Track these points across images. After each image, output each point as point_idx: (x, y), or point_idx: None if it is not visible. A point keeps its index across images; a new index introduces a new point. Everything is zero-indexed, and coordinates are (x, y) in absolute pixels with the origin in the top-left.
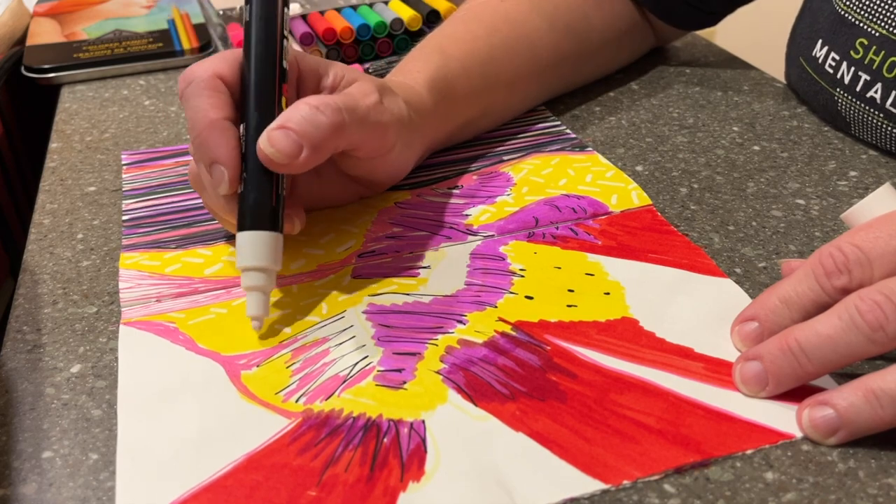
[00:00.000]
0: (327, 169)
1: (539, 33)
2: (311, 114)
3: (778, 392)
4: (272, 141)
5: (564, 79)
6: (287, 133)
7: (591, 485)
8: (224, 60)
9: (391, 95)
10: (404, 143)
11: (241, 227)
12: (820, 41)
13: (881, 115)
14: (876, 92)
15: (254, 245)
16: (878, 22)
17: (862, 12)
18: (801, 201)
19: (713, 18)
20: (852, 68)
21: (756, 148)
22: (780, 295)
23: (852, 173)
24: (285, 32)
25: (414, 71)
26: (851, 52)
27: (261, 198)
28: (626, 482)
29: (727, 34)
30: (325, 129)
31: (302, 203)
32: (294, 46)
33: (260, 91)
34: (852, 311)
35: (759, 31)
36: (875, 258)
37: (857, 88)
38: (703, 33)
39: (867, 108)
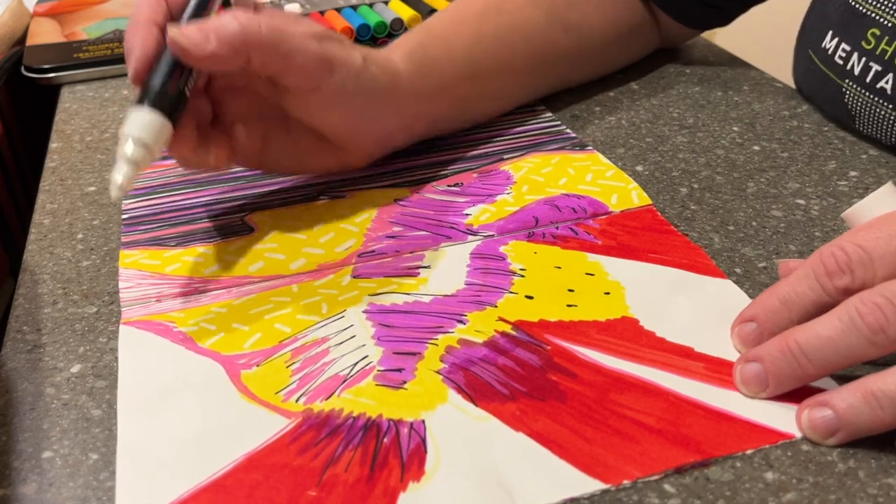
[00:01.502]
0: (300, 131)
1: (535, 27)
2: (225, 17)
3: (778, 393)
4: (182, 29)
5: (562, 76)
6: (199, 27)
7: (591, 485)
8: None
9: (340, 41)
10: (356, 91)
11: (137, 102)
12: (830, 32)
13: (890, 106)
14: (887, 83)
15: (141, 119)
16: (891, 12)
17: (874, 3)
18: (801, 201)
19: (725, 17)
20: (863, 59)
21: (756, 148)
22: (780, 295)
23: (852, 173)
24: None
25: (395, 45)
26: (863, 43)
27: (162, 82)
28: (626, 482)
29: (727, 34)
30: (234, 30)
31: (277, 167)
32: None
33: (195, 3)
34: (853, 314)
35: (759, 31)
36: (877, 258)
37: (868, 79)
38: (704, 33)
39: (876, 99)
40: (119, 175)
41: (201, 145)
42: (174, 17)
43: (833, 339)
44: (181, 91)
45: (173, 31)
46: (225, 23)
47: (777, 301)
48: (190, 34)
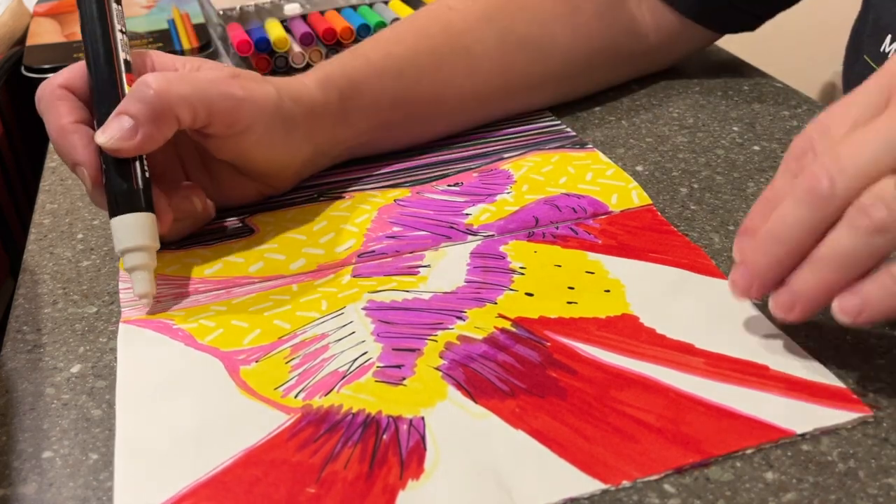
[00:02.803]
0: (218, 167)
1: (482, 45)
2: (137, 89)
3: (765, 289)
4: (104, 130)
5: (518, 98)
6: (119, 118)
7: (591, 484)
8: (69, 70)
9: (255, 80)
10: (277, 127)
11: (112, 214)
12: (889, 36)
13: None
14: None
15: (125, 227)
16: None
17: None
18: None
19: (756, 21)
20: None
21: (756, 148)
22: (763, 197)
23: None
24: (120, 27)
25: (314, 69)
26: None
27: (123, 184)
28: (625, 482)
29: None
30: (152, 101)
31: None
32: (294, 48)
33: (100, 85)
34: (796, 184)
35: (759, 31)
36: (833, 126)
37: None
38: None
39: None
40: (140, 287)
41: (180, 203)
42: (85, 100)
43: (786, 216)
44: (143, 177)
45: (99, 139)
46: (140, 96)
47: (760, 205)
48: (112, 132)
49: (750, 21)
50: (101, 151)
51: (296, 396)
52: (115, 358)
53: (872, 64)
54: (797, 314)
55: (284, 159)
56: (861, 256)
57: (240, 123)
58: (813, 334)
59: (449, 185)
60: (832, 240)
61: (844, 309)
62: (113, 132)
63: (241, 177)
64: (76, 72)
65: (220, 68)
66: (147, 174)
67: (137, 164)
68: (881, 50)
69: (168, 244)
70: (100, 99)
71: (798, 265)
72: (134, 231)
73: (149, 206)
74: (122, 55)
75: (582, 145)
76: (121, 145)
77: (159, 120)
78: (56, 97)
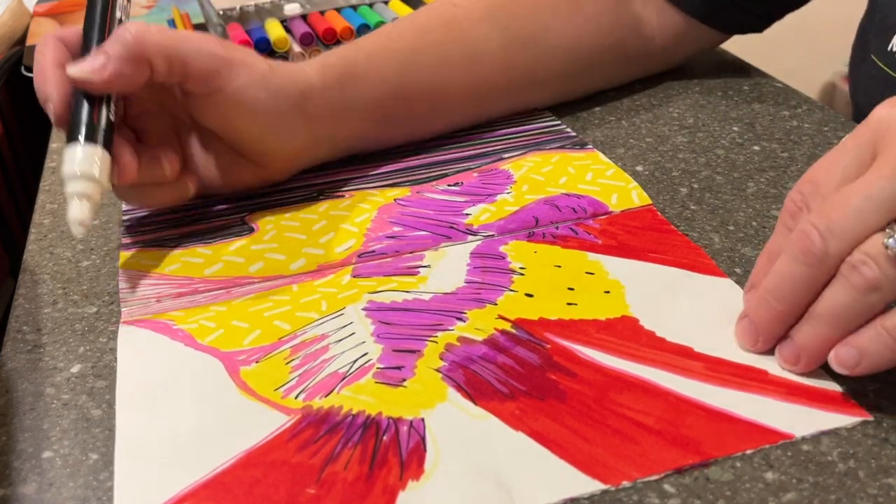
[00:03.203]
0: (216, 147)
1: (486, 43)
2: (117, 33)
3: (771, 341)
4: (77, 63)
5: (519, 95)
6: (94, 56)
7: (591, 485)
8: (70, 27)
9: (244, 51)
10: (262, 96)
11: (67, 141)
12: None
13: None
14: None
15: (75, 153)
16: None
17: None
18: None
19: (764, 23)
20: None
21: (756, 148)
22: (765, 252)
23: None
24: None
25: (317, 57)
26: None
27: (84, 116)
28: (625, 482)
29: None
30: (128, 43)
31: (197, 186)
32: (294, 48)
33: (88, 33)
34: (790, 243)
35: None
36: (822, 183)
37: None
38: None
39: None
40: (75, 212)
41: (149, 163)
42: (75, 55)
43: (783, 273)
44: (106, 118)
45: (71, 70)
46: (118, 38)
47: (764, 259)
48: (85, 65)
49: (757, 22)
50: (72, 93)
51: (296, 397)
52: (115, 358)
53: (880, 63)
54: (802, 366)
55: (274, 137)
56: (857, 312)
57: (216, 80)
58: None
59: (449, 185)
60: (829, 297)
61: (842, 361)
62: (84, 65)
63: (238, 158)
64: (75, 30)
65: (212, 37)
66: (112, 118)
67: (104, 106)
68: (888, 49)
69: (167, 243)
70: (85, 45)
71: (800, 318)
72: (83, 159)
73: (106, 145)
74: (118, 14)
75: (582, 145)
76: (88, 76)
77: (131, 61)
78: (49, 46)
